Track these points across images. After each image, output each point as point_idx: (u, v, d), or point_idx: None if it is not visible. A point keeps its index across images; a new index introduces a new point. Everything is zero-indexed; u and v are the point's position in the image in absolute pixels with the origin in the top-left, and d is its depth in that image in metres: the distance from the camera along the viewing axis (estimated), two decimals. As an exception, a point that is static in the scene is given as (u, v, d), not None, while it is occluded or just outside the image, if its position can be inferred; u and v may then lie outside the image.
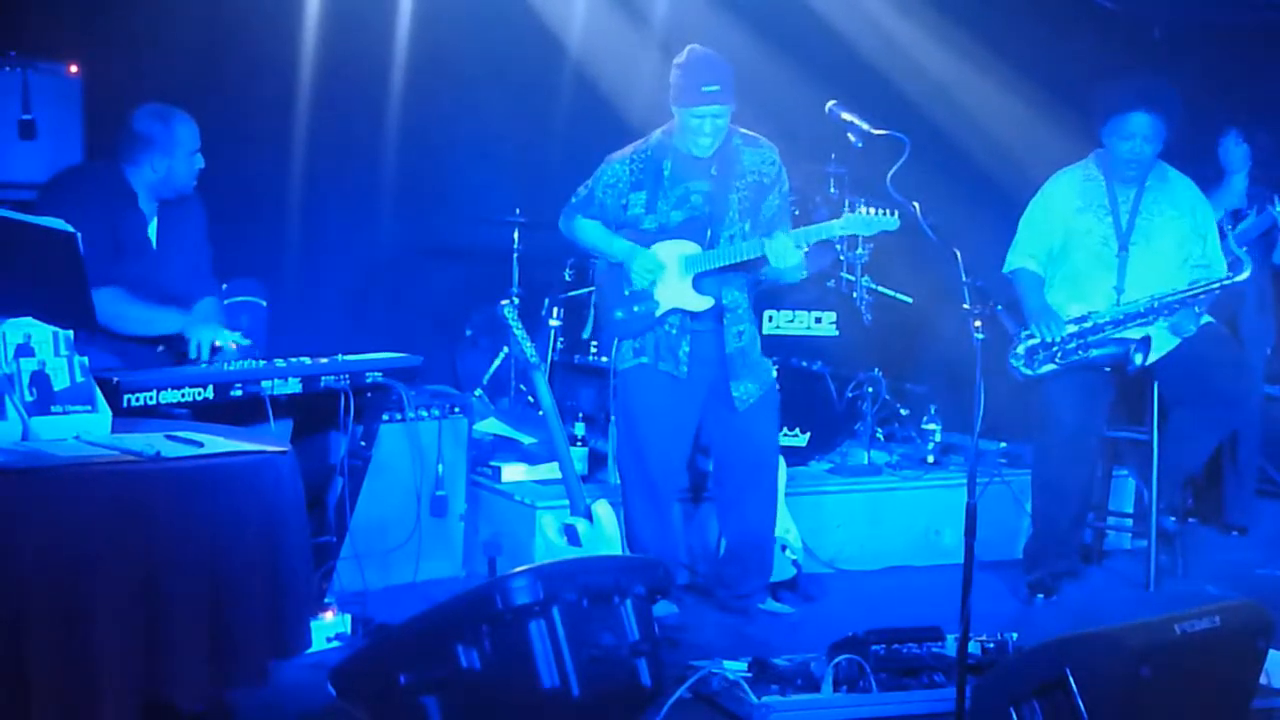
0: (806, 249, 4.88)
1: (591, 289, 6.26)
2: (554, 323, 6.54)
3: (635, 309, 5.03)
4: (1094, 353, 5.44)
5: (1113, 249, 5.52)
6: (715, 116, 4.86)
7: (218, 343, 4.50)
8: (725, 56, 4.93)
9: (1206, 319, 5.58)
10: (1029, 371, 5.50)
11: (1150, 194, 5.56)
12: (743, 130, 5.02)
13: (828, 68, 7.03)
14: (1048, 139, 6.80)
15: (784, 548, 5.34)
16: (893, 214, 4.68)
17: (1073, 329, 5.46)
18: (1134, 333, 5.44)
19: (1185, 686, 3.49)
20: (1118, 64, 7.16)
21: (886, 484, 6.16)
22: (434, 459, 5.27)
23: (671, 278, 4.97)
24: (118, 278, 4.45)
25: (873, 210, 4.76)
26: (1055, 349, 5.45)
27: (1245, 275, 5.54)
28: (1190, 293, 5.47)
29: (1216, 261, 5.58)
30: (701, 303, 4.98)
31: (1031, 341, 5.49)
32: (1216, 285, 5.51)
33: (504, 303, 5.43)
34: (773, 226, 4.93)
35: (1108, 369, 5.52)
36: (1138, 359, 5.38)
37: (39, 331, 3.55)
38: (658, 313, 4.99)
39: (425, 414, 5.42)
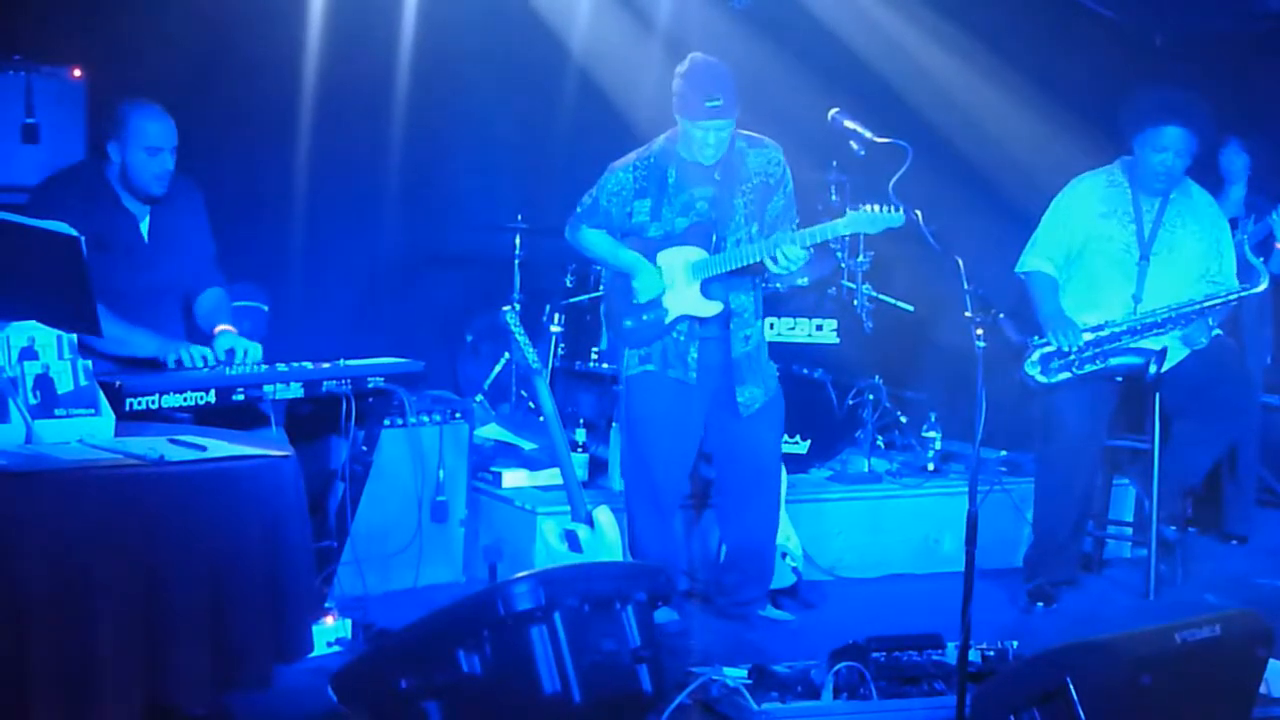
0: (809, 249, 4.85)
1: (593, 295, 6.28)
2: (555, 329, 6.55)
3: (645, 317, 5.02)
4: (1112, 362, 5.43)
5: (1133, 257, 5.51)
6: (718, 129, 4.85)
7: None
8: (728, 62, 4.90)
9: (1215, 331, 5.59)
10: (1044, 379, 5.49)
11: (1174, 206, 5.55)
12: (745, 132, 5.01)
13: (829, 74, 7.03)
14: (1049, 146, 6.82)
15: (784, 555, 5.34)
16: (898, 210, 4.63)
17: (1089, 337, 5.45)
18: (1150, 343, 5.44)
19: (1185, 695, 3.49)
20: (1118, 72, 7.17)
21: (887, 491, 6.16)
22: (435, 464, 5.27)
23: (679, 284, 4.97)
24: (100, 285, 4.42)
25: (876, 207, 4.70)
26: (1072, 358, 5.44)
27: (1263, 286, 5.54)
28: (1206, 304, 5.46)
29: (1230, 278, 5.58)
30: (710, 308, 4.98)
31: (1047, 349, 5.48)
32: (1234, 297, 5.51)
33: (505, 308, 5.43)
34: (777, 226, 4.93)
35: (1119, 379, 5.51)
36: (1153, 369, 5.37)
37: (43, 335, 3.56)
38: (667, 320, 4.99)
39: (426, 419, 5.42)
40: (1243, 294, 5.54)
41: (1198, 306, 5.46)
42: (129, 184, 4.56)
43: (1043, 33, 7.54)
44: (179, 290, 4.76)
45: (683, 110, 4.87)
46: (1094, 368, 5.45)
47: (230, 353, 4.46)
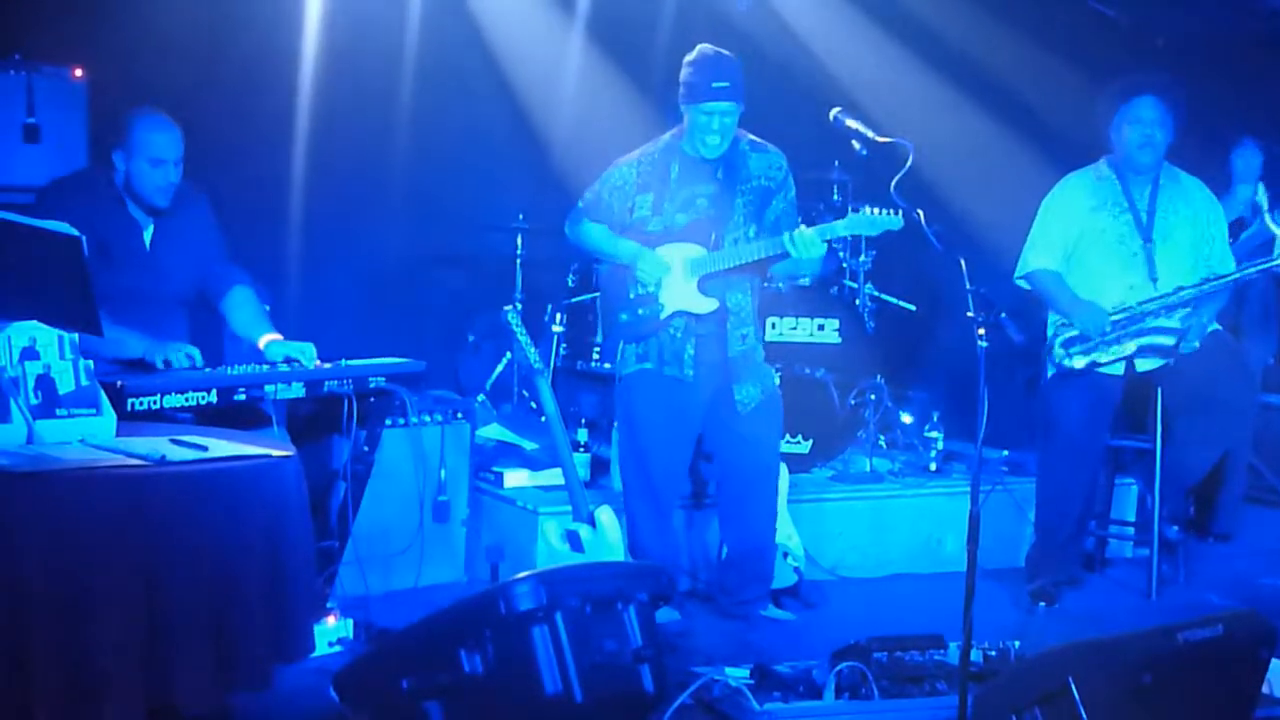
0: (825, 242, 4.86)
1: (595, 294, 6.28)
2: (557, 328, 6.55)
3: (640, 312, 5.03)
4: (1143, 341, 5.40)
5: (1131, 246, 5.47)
6: (724, 114, 4.86)
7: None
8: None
9: (1214, 326, 5.58)
10: (1070, 364, 5.43)
11: (1164, 193, 5.55)
12: (751, 136, 5.04)
13: (828, 77, 7.04)
14: (1051, 146, 6.80)
15: (786, 554, 5.34)
16: (897, 214, 4.67)
17: (1118, 317, 5.43)
18: (1172, 322, 5.41)
19: (1187, 695, 3.49)
20: (1120, 72, 7.15)
21: (889, 491, 6.16)
22: (437, 464, 5.27)
23: (676, 280, 4.98)
24: (100, 291, 4.40)
25: (877, 210, 4.74)
26: (1094, 341, 5.40)
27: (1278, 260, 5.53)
28: (1238, 274, 5.47)
29: (1226, 262, 5.58)
30: (706, 305, 4.98)
31: (1071, 333, 5.46)
32: (1252, 270, 5.51)
33: (507, 308, 5.43)
34: (778, 229, 4.94)
35: (1122, 374, 5.49)
36: (1183, 346, 5.37)
37: (44, 335, 3.56)
38: (662, 315, 5.00)
39: (428, 419, 5.42)
40: (1266, 266, 5.52)
41: (1225, 280, 5.44)
42: (133, 193, 4.55)
43: (1045, 33, 7.52)
44: (182, 298, 4.74)
45: (689, 95, 4.89)
46: (1118, 349, 5.41)
47: (290, 361, 4.45)
